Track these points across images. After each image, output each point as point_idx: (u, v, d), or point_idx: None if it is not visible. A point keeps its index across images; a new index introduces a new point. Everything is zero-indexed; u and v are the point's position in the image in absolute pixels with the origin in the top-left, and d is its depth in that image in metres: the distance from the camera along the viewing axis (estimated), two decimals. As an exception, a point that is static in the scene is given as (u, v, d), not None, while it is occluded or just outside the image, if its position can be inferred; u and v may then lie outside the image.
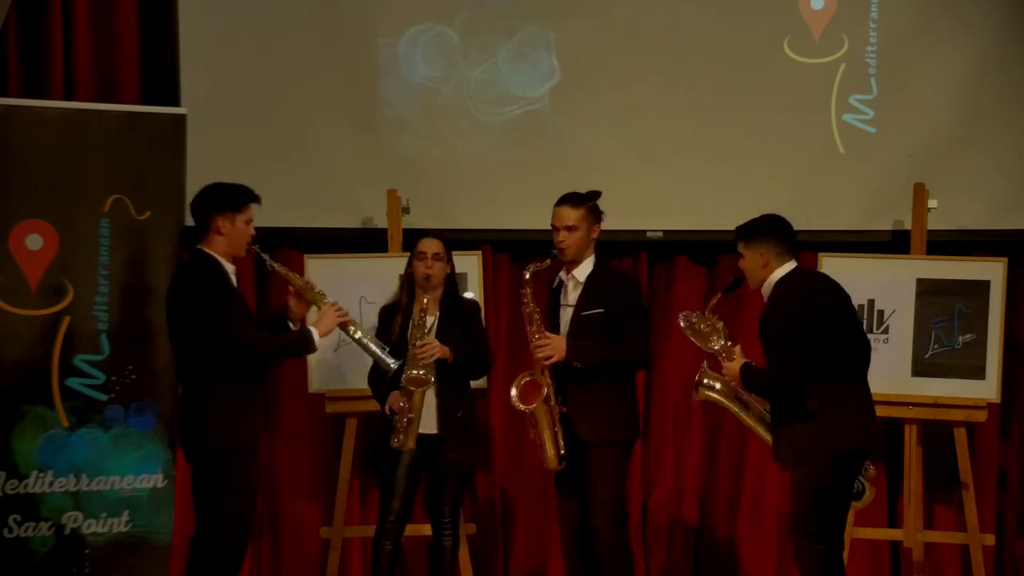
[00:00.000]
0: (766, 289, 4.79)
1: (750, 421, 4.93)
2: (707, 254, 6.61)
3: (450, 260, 5.27)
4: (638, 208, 6.38)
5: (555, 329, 5.17)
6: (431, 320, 5.18)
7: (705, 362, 4.95)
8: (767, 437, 4.89)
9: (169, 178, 5.67)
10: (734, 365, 4.74)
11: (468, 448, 5.28)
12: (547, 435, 5.05)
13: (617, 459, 5.09)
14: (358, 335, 5.03)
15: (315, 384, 6.05)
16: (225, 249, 4.88)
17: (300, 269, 5.96)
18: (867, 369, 4.82)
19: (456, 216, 6.40)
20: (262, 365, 4.93)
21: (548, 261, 5.10)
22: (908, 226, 6.24)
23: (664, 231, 6.45)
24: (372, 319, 5.69)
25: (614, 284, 5.17)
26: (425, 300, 5.13)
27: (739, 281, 4.86)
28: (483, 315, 5.70)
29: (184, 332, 4.84)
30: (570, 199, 5.14)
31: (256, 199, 4.92)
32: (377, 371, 5.21)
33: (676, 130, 6.42)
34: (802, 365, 4.60)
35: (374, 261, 6.06)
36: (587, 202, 5.14)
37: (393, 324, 5.20)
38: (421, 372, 5.02)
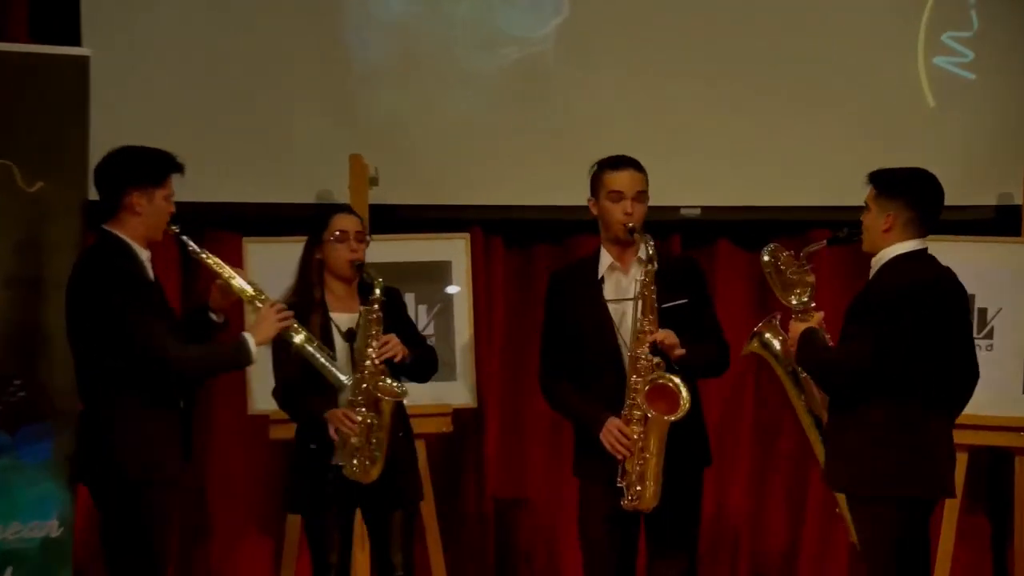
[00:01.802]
0: (877, 261, 4.56)
1: (800, 407, 4.81)
2: (756, 237, 6.24)
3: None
4: (668, 179, 5.85)
5: (599, 330, 4.86)
6: (353, 317, 4.97)
7: (778, 316, 4.82)
8: (815, 439, 4.78)
9: (69, 139, 5.47)
10: (797, 328, 4.60)
11: (414, 473, 5.08)
12: (655, 463, 4.71)
13: (698, 493, 4.94)
14: (299, 339, 4.83)
15: (257, 403, 5.86)
16: (141, 232, 4.68)
17: (238, 255, 5.84)
18: (964, 405, 4.61)
19: (437, 189, 6.25)
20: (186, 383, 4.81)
21: (635, 238, 4.80)
22: (1018, 200, 6.13)
23: (702, 207, 6.32)
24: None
25: (684, 268, 5.01)
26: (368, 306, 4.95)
27: (853, 235, 4.62)
28: (470, 311, 5.81)
29: (87, 335, 4.63)
30: (631, 161, 4.92)
31: (179, 168, 4.73)
32: (289, 382, 4.98)
33: (717, 79, 6.28)
34: (880, 359, 4.38)
35: None
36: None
37: (308, 325, 4.95)
38: (390, 381, 4.84)
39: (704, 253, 6.37)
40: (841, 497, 4.67)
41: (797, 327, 4.59)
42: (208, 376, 4.98)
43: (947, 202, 5.84)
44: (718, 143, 6.22)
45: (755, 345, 4.81)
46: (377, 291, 4.84)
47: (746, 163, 6.24)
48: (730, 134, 6.23)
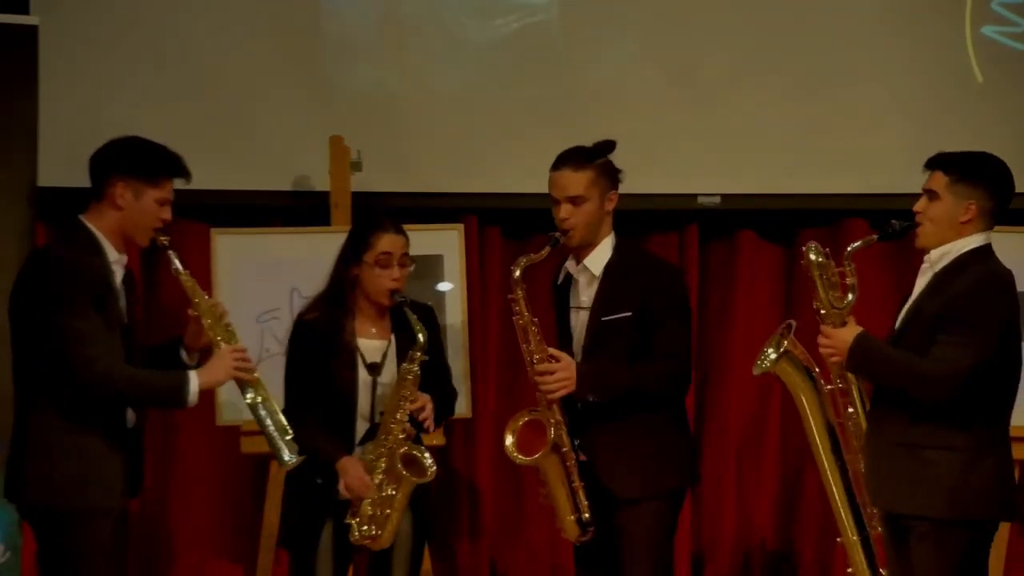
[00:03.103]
0: (941, 256, 4.44)
1: (815, 426, 4.74)
2: (782, 228, 6.40)
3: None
4: (686, 164, 6.18)
5: (566, 341, 4.95)
6: (381, 346, 4.89)
7: (793, 325, 4.75)
8: (821, 446, 4.73)
9: (14, 116, 5.49)
10: (846, 333, 4.46)
11: (428, 513, 5.02)
12: (561, 495, 4.79)
13: (661, 518, 4.85)
14: (256, 399, 4.66)
15: (226, 414, 5.75)
16: (117, 229, 4.54)
17: (206, 247, 5.79)
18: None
19: (428, 175, 6.18)
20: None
21: (546, 250, 4.84)
22: (1084, 188, 6.04)
23: (722, 195, 6.26)
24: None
25: (644, 274, 4.88)
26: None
27: (907, 228, 4.48)
28: (464, 310, 5.78)
29: (25, 335, 4.52)
30: (571, 158, 4.85)
31: (183, 173, 4.63)
32: (301, 405, 4.86)
33: (742, 51, 6.24)
34: (978, 371, 4.30)
35: (312, 238, 5.79)
36: (596, 159, 4.86)
37: (336, 357, 4.85)
38: (423, 455, 4.77)
39: (725, 245, 6.39)
40: (846, 529, 4.73)
41: (842, 335, 4.48)
42: (135, 404, 4.77)
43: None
44: (741, 123, 6.17)
45: (782, 364, 4.69)
46: (420, 338, 4.76)
47: (772, 146, 6.19)
48: (755, 113, 6.18)
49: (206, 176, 5.73)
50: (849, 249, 4.49)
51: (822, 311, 4.51)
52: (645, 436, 4.83)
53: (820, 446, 4.72)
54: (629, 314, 4.80)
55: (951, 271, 4.41)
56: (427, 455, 4.75)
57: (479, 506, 6.32)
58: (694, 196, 6.20)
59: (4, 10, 5.68)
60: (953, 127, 6.09)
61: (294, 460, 4.69)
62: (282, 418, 4.70)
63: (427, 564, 5.70)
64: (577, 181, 4.79)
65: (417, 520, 4.93)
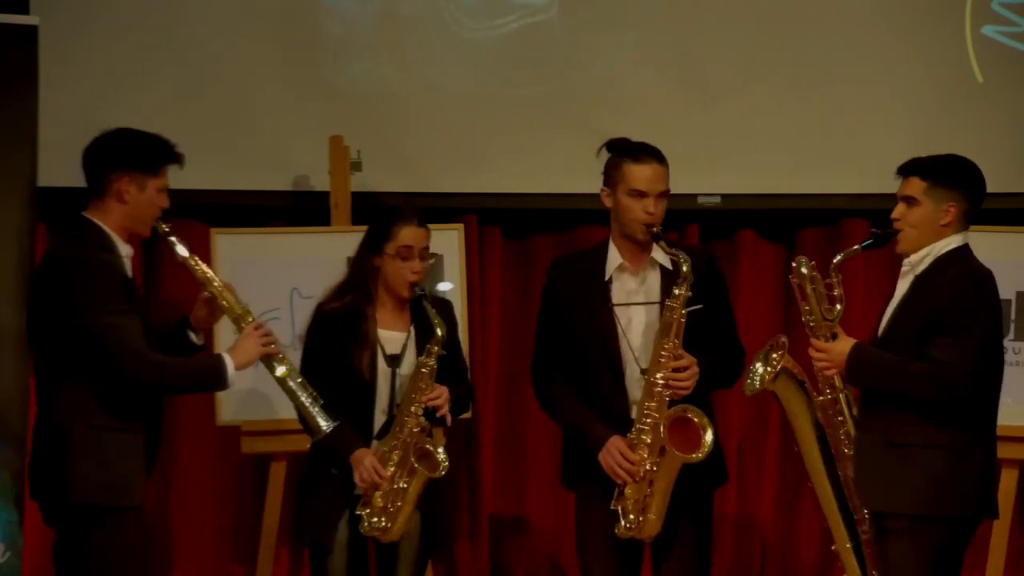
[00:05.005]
0: (922, 259, 4.52)
1: (808, 438, 4.80)
2: (782, 227, 6.40)
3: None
4: (685, 163, 5.75)
5: (605, 341, 4.84)
6: (401, 338, 4.93)
7: (783, 339, 4.77)
8: (813, 456, 4.78)
9: (13, 115, 5.30)
10: (843, 345, 4.52)
11: (439, 515, 5.04)
12: (660, 499, 4.75)
13: (710, 519, 4.98)
14: (281, 372, 4.76)
15: (227, 414, 5.81)
16: (123, 223, 4.61)
17: (205, 247, 5.77)
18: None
19: (427, 174, 6.19)
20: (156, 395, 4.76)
21: (663, 244, 4.81)
22: (1078, 187, 6.07)
23: (722, 195, 6.27)
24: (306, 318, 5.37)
25: (700, 267, 4.86)
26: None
27: (888, 236, 4.56)
28: (464, 310, 5.73)
29: (49, 334, 4.56)
30: (653, 151, 4.84)
31: (177, 158, 4.71)
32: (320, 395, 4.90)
33: (743, 50, 6.23)
34: (984, 372, 4.41)
35: (312, 238, 5.86)
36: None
37: (358, 347, 4.88)
38: (436, 449, 4.82)
39: (725, 245, 6.34)
40: (840, 536, 4.76)
41: (839, 348, 4.52)
42: (181, 392, 4.94)
43: (996, 189, 5.67)
44: (741, 123, 6.16)
45: (780, 380, 4.73)
46: (439, 332, 4.80)
47: (772, 146, 6.18)
48: (755, 113, 6.17)
49: (206, 176, 5.87)
50: (835, 261, 4.56)
51: (812, 324, 4.55)
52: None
53: (812, 456, 4.76)
54: (701, 306, 4.81)
55: (932, 273, 4.46)
56: (440, 451, 4.76)
57: (479, 506, 6.31)
58: (694, 196, 6.18)
59: (4, 10, 5.52)
60: (953, 127, 6.09)
61: (329, 427, 4.76)
62: (310, 389, 4.77)
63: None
64: (665, 176, 4.82)
65: (427, 521, 4.92)
